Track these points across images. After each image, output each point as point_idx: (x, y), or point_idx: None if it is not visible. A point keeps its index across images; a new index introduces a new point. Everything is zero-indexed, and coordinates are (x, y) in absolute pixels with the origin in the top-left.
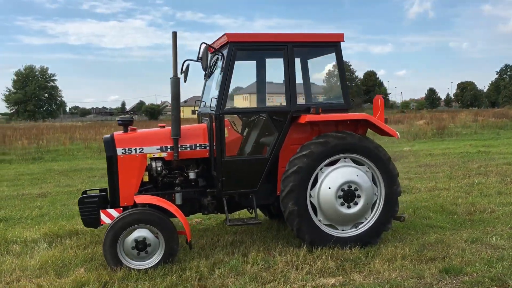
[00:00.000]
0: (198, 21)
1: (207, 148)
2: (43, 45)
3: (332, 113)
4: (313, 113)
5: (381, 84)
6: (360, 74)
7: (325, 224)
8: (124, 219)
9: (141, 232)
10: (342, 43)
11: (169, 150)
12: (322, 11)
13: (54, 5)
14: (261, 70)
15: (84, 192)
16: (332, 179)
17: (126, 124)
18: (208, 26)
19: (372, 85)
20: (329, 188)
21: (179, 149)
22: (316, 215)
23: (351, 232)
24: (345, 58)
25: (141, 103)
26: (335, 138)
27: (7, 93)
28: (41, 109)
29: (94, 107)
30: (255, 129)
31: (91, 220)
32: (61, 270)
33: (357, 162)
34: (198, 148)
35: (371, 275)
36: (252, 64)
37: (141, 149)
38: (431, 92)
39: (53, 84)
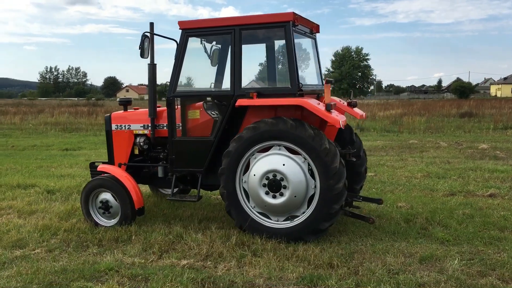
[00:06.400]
0: None
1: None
2: (373, 26)
3: (274, 98)
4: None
5: None
6: None
7: (258, 212)
8: (92, 183)
9: (105, 196)
10: None
11: (149, 128)
12: None
13: None
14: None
15: None
16: (258, 166)
17: (125, 104)
18: None
19: None
20: (254, 175)
21: (156, 127)
22: (249, 201)
23: (285, 224)
24: None
25: (458, 81)
26: (267, 124)
27: (326, 72)
28: (355, 88)
29: (410, 85)
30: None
31: None
32: (63, 217)
33: (295, 151)
34: None
35: (235, 268)
36: None
37: (128, 126)
38: None
39: (366, 63)
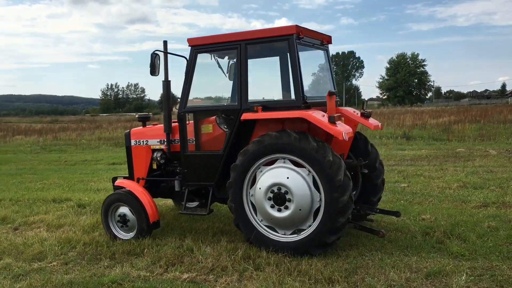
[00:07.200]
0: None
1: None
2: (431, 31)
3: (279, 111)
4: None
5: None
6: None
7: (265, 225)
8: (110, 198)
9: (123, 209)
10: None
11: (166, 143)
12: None
13: None
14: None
15: None
16: (264, 179)
17: (143, 120)
18: None
19: None
20: (260, 188)
21: (172, 142)
22: (256, 214)
23: (292, 237)
24: None
25: None
26: (271, 137)
27: (381, 80)
28: (411, 95)
29: (471, 90)
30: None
31: None
32: (86, 230)
33: (300, 164)
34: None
35: (235, 282)
36: None
37: (146, 141)
38: None
39: (422, 69)
